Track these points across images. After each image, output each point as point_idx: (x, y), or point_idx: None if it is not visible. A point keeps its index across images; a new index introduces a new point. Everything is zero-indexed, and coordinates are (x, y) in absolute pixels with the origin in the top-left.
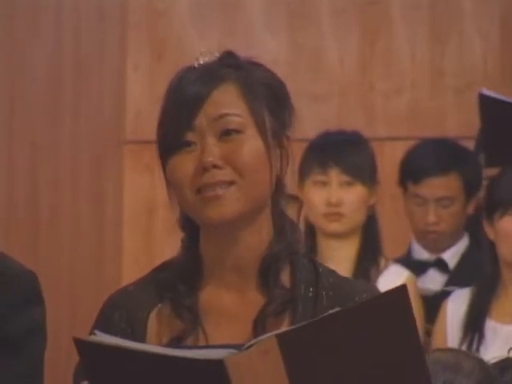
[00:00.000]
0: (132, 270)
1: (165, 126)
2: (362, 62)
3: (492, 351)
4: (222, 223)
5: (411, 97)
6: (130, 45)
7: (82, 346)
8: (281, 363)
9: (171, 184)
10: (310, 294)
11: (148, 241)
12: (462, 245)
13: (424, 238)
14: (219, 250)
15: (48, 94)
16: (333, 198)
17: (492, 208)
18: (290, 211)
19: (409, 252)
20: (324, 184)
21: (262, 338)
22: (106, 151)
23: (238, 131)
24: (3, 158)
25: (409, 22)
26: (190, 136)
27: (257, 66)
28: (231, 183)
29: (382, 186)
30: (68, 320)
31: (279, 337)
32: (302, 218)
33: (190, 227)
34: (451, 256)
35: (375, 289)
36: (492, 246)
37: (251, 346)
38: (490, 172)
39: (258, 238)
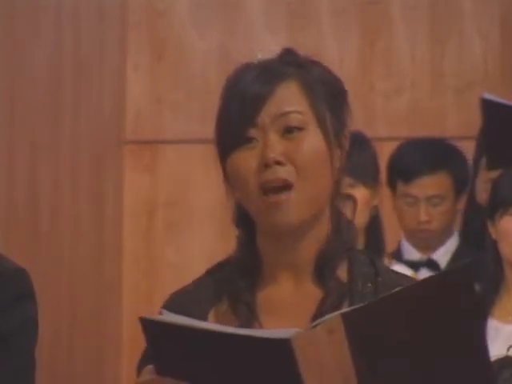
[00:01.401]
0: (132, 270)
1: (226, 122)
2: (362, 61)
3: (493, 350)
4: (285, 231)
5: (411, 97)
6: (130, 45)
7: (147, 325)
8: (345, 342)
9: (233, 180)
10: (369, 290)
11: (148, 241)
12: (453, 243)
13: (415, 237)
14: (278, 250)
15: (48, 94)
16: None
17: (493, 208)
18: (345, 210)
19: (399, 252)
20: None
21: (327, 317)
22: (106, 151)
23: (299, 128)
24: (3, 157)
25: (409, 21)
26: (252, 133)
27: (316, 64)
28: (291, 187)
29: (382, 186)
30: (68, 320)
31: (344, 316)
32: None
33: (246, 223)
34: (442, 255)
35: None
36: (495, 245)
37: (317, 325)
38: (492, 175)
39: (316, 236)
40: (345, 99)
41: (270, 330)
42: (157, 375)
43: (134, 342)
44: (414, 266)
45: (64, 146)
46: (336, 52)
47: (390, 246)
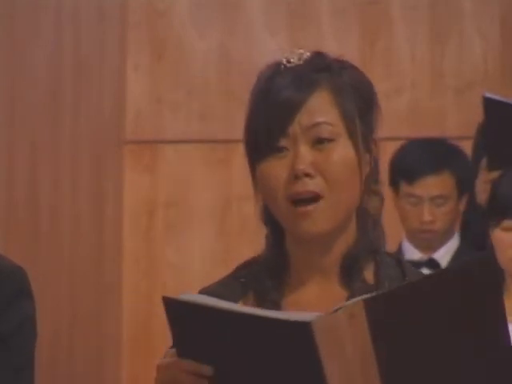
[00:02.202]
0: (132, 270)
1: (256, 129)
2: (362, 62)
3: None
4: (313, 239)
5: (411, 97)
6: (130, 45)
7: (169, 304)
8: (366, 327)
9: (262, 187)
10: None
11: (148, 241)
12: (454, 243)
13: (417, 237)
14: (307, 254)
15: (48, 94)
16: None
17: (489, 216)
18: (372, 205)
19: (399, 252)
20: None
21: (349, 302)
22: (106, 151)
23: (330, 140)
24: (3, 157)
25: (409, 22)
26: (282, 142)
27: (346, 65)
28: (320, 198)
29: (382, 186)
30: (68, 320)
31: (366, 301)
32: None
33: (274, 224)
34: (443, 255)
35: None
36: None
37: (338, 310)
38: (492, 175)
39: (344, 240)
40: (374, 102)
41: (291, 312)
42: (178, 358)
43: (133, 342)
44: (415, 265)
45: (64, 146)
46: (336, 52)
47: (389, 247)
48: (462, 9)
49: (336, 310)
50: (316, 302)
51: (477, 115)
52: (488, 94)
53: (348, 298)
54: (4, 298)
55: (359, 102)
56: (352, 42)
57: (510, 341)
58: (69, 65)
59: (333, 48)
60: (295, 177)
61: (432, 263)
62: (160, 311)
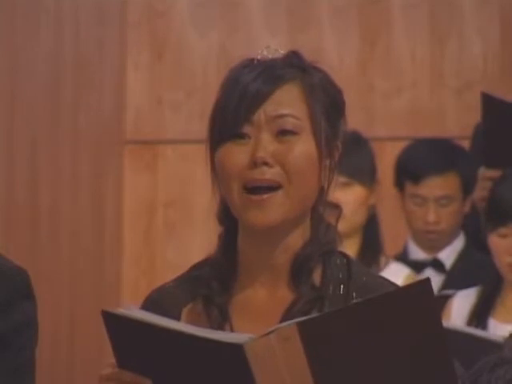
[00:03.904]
0: (132, 270)
1: (222, 114)
2: (362, 62)
3: None
4: (263, 228)
5: (411, 97)
6: (130, 45)
7: (108, 318)
8: (301, 351)
9: (219, 172)
10: (340, 293)
11: (148, 241)
12: (459, 244)
13: (422, 237)
14: (257, 250)
15: (48, 94)
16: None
17: (486, 221)
18: (330, 218)
19: (404, 252)
20: None
21: (282, 325)
22: (106, 151)
23: (293, 133)
24: (3, 157)
25: (409, 21)
26: (246, 129)
27: (319, 70)
28: (278, 188)
29: (382, 185)
30: (68, 320)
31: (300, 324)
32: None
33: (229, 221)
34: (447, 255)
35: None
36: None
37: (271, 332)
38: (491, 173)
39: (295, 239)
40: (342, 110)
41: (226, 333)
42: (118, 369)
43: None
44: (419, 266)
45: (64, 146)
46: (336, 52)
47: (389, 246)
48: (462, 9)
49: (269, 333)
50: (264, 305)
51: (477, 115)
52: (486, 92)
53: (292, 303)
54: (6, 300)
55: (328, 106)
56: (352, 42)
57: (450, 366)
58: (69, 65)
59: (333, 48)
60: (254, 164)
61: (437, 263)
62: None
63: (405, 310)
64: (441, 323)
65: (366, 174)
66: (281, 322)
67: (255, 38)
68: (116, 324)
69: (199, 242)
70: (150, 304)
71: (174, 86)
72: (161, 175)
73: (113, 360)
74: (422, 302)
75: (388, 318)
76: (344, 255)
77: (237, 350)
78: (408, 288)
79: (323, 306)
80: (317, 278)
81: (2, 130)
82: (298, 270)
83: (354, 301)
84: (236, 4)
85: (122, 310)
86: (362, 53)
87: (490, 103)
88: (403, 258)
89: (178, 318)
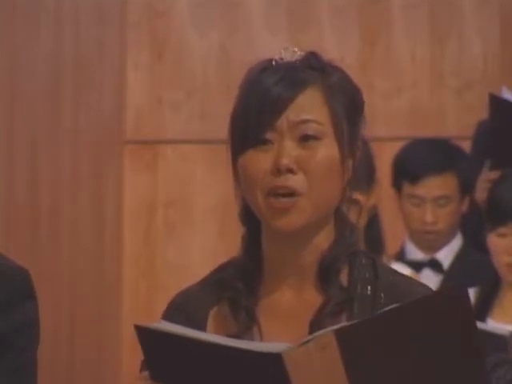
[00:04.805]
0: (132, 270)
1: (243, 121)
2: (362, 62)
3: None
4: (288, 234)
5: (411, 97)
6: (130, 45)
7: (142, 333)
8: (339, 359)
9: (242, 179)
10: (368, 293)
11: (148, 241)
12: (456, 244)
13: (420, 238)
14: (282, 252)
15: (48, 94)
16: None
17: (485, 221)
18: (351, 215)
19: (402, 252)
20: None
21: (319, 333)
22: (106, 151)
23: (316, 138)
24: (3, 157)
25: (409, 21)
26: (269, 135)
27: (338, 69)
28: (300, 194)
29: (382, 186)
30: (68, 320)
31: (337, 332)
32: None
33: (251, 222)
34: (445, 255)
35: (432, 290)
36: None
37: (309, 341)
38: (494, 175)
39: (320, 241)
40: (362, 109)
41: (263, 343)
42: (151, 382)
43: (133, 342)
44: (417, 266)
45: (64, 146)
46: (336, 52)
47: (389, 246)
48: (462, 9)
49: (307, 342)
50: (291, 307)
51: (476, 115)
52: (494, 93)
53: (321, 305)
54: (7, 300)
55: (348, 106)
56: (352, 42)
57: (484, 371)
58: (69, 65)
59: (333, 48)
60: (277, 171)
61: (434, 263)
62: (160, 311)
63: (442, 316)
64: (476, 330)
65: (362, 181)
66: (311, 324)
67: (255, 37)
68: (149, 338)
69: (199, 242)
70: (174, 308)
71: (174, 85)
72: (161, 175)
73: (146, 372)
74: (459, 309)
75: (424, 324)
76: (368, 255)
77: (275, 359)
78: (444, 293)
79: (352, 307)
80: (344, 278)
81: (2, 130)
82: (326, 272)
83: (390, 307)
84: (236, 4)
85: (155, 324)
86: (362, 53)
87: (496, 104)
88: (401, 258)
89: (204, 321)
